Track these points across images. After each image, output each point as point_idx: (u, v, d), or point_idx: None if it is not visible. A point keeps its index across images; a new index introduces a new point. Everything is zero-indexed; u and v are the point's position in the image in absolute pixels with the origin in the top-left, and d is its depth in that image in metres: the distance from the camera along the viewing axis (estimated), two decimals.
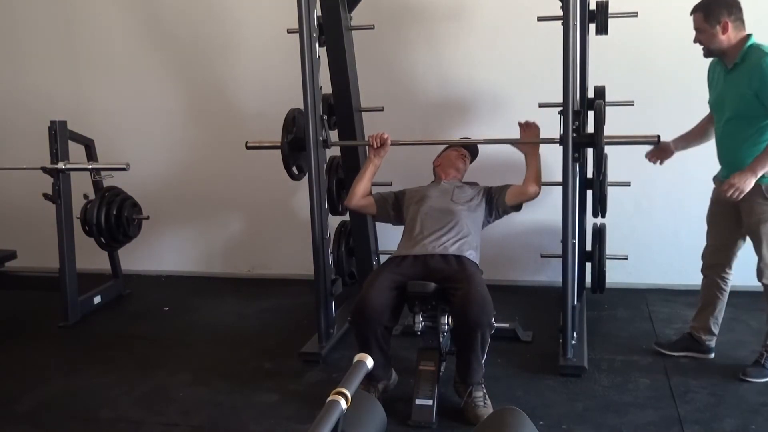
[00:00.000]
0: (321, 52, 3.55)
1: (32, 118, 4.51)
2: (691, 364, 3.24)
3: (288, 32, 3.44)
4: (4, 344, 3.83)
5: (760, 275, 3.05)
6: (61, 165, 4.01)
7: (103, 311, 4.32)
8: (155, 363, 3.50)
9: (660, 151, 3.37)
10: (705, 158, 4.11)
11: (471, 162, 3.68)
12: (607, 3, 3.48)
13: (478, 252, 3.19)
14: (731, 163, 2.97)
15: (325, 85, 3.61)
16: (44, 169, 4.01)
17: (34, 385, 3.28)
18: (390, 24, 4.27)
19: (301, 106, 3.41)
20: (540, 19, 3.39)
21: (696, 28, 2.89)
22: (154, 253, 4.97)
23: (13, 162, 4.32)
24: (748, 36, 2.85)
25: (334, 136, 3.90)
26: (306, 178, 3.51)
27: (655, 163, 3.43)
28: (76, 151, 4.18)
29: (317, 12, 3.47)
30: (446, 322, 2.95)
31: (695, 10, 2.89)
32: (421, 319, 2.95)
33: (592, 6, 3.52)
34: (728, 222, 3.12)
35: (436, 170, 3.59)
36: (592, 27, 3.55)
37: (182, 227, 4.96)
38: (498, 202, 3.31)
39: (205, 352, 3.64)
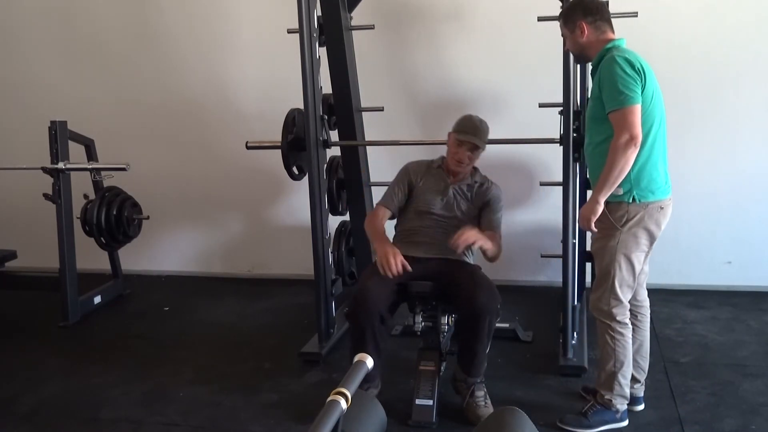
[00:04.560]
0: (321, 52, 3.55)
1: (32, 118, 4.50)
2: (691, 364, 3.25)
3: (288, 32, 3.44)
4: (4, 344, 3.83)
5: (593, 307, 2.75)
6: (61, 165, 4.01)
7: (103, 311, 4.32)
8: (155, 363, 3.50)
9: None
10: (704, 158, 4.14)
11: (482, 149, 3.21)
12: (607, 3, 3.48)
13: (476, 252, 3.19)
14: (596, 179, 2.60)
15: (325, 85, 3.61)
16: (44, 169, 4.01)
17: (34, 385, 3.28)
18: (390, 24, 4.27)
19: (301, 106, 3.41)
20: (540, 19, 3.40)
21: (562, 36, 2.77)
22: (154, 253, 4.97)
23: (13, 162, 4.32)
24: (616, 39, 2.62)
25: (334, 136, 3.90)
26: (306, 178, 3.51)
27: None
28: (76, 151, 4.18)
29: (317, 12, 3.47)
30: (446, 322, 2.95)
31: (559, 17, 2.76)
32: (421, 319, 2.95)
33: None
34: None
35: (447, 165, 3.20)
36: None
37: (182, 227, 4.96)
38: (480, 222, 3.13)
39: (205, 352, 3.64)
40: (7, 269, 4.46)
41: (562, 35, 2.78)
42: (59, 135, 4.01)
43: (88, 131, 4.32)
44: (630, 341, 2.69)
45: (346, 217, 4.21)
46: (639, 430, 2.70)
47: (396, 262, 2.84)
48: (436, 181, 3.14)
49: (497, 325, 2.91)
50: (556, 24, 3.16)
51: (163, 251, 4.99)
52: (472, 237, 2.87)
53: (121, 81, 4.80)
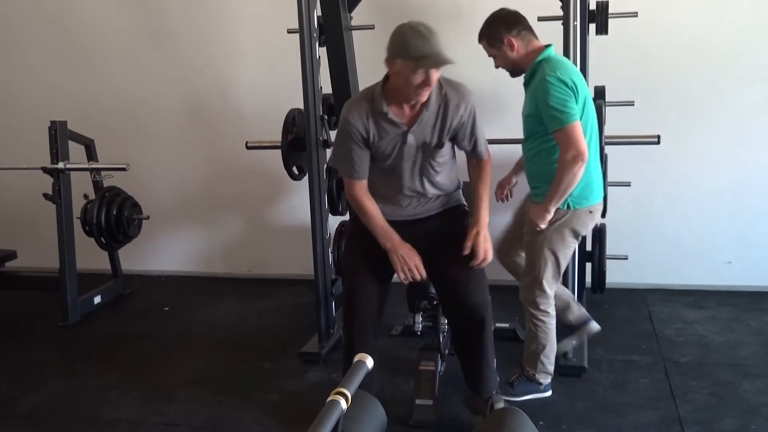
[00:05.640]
0: (321, 52, 3.55)
1: (32, 118, 4.50)
2: (691, 364, 3.25)
3: (288, 32, 3.44)
4: (4, 344, 3.83)
5: (521, 291, 2.88)
6: (61, 165, 4.01)
7: (103, 311, 4.32)
8: (155, 363, 3.50)
9: (502, 187, 3.25)
10: (705, 158, 4.13)
11: None
12: (607, 3, 3.49)
13: (457, 181, 2.76)
14: (531, 183, 2.81)
15: (325, 85, 3.61)
16: (44, 169, 4.01)
17: (34, 385, 3.28)
18: (390, 24, 4.20)
19: (301, 106, 3.41)
20: (540, 19, 3.39)
21: (490, 56, 2.80)
22: (154, 253, 4.97)
23: (13, 162, 4.32)
24: (545, 47, 2.68)
25: (333, 136, 3.90)
26: (306, 178, 3.51)
27: (505, 200, 3.25)
28: (76, 151, 4.18)
29: (317, 12, 3.47)
30: (446, 322, 2.95)
31: (480, 39, 2.77)
32: (421, 319, 2.95)
33: (592, 6, 3.52)
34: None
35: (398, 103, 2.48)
36: (592, 27, 3.55)
37: (182, 227, 4.96)
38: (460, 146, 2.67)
39: (205, 352, 3.64)
40: (7, 269, 4.46)
41: (490, 55, 2.80)
42: (59, 135, 4.01)
43: (88, 131, 4.32)
44: (553, 327, 2.86)
45: (346, 217, 4.21)
46: (639, 430, 2.70)
47: (419, 272, 2.54)
48: (389, 132, 2.51)
49: (497, 325, 2.91)
50: (557, 24, 3.18)
51: (163, 251, 4.99)
52: (488, 256, 2.57)
53: (121, 81, 4.79)
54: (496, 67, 2.83)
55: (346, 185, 2.65)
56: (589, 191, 2.69)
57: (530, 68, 2.67)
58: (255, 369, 3.39)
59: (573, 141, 2.50)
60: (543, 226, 2.67)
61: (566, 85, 2.52)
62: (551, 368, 2.92)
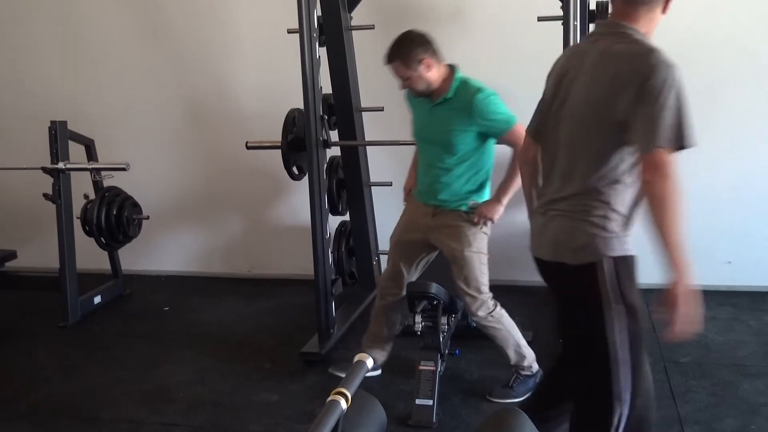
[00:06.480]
0: (321, 52, 3.55)
1: (32, 118, 4.50)
2: (691, 364, 3.25)
3: (288, 32, 3.44)
4: (4, 344, 3.83)
5: (471, 308, 2.90)
6: (61, 165, 4.01)
7: (103, 311, 4.32)
8: (155, 363, 3.50)
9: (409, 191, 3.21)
10: (704, 158, 4.13)
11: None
12: (607, 3, 3.48)
13: None
14: (435, 191, 2.90)
15: (325, 85, 3.61)
16: (44, 169, 4.01)
17: (34, 385, 3.28)
18: (390, 24, 4.25)
19: (301, 106, 3.41)
20: (540, 19, 3.40)
21: (400, 77, 2.78)
22: (154, 253, 4.97)
23: (13, 162, 4.32)
24: (452, 67, 2.82)
25: (334, 136, 3.90)
26: (306, 178, 3.52)
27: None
28: (76, 151, 4.19)
29: (317, 12, 3.47)
30: (446, 322, 2.95)
31: (392, 60, 2.76)
32: (421, 319, 2.96)
33: (592, 6, 3.52)
34: (417, 247, 3.00)
35: None
36: (592, 27, 3.54)
37: (182, 227, 4.96)
38: None
39: (205, 352, 3.64)
40: (7, 269, 4.46)
41: (401, 76, 2.78)
42: (59, 135, 4.01)
43: (88, 131, 4.32)
44: (506, 315, 2.97)
45: (346, 217, 4.21)
46: None
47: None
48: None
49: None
50: (556, 24, 3.18)
51: (163, 251, 4.99)
52: None
53: (121, 81, 4.79)
54: (402, 88, 2.87)
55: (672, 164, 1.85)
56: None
57: (452, 87, 2.76)
58: (255, 369, 3.39)
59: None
60: (496, 219, 2.87)
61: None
62: (530, 350, 3.01)
